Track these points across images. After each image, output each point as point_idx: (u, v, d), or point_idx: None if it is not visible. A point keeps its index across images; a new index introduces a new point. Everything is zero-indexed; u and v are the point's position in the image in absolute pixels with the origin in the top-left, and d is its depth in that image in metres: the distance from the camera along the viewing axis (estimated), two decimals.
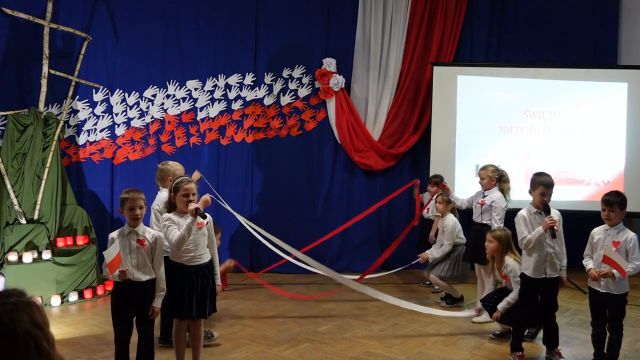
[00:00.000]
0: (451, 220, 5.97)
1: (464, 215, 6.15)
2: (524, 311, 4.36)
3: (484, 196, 5.46)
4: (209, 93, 7.36)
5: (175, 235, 3.74)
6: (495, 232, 4.95)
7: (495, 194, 5.38)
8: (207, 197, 4.01)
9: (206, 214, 4.07)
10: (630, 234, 3.97)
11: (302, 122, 7.54)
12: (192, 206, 3.73)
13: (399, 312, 5.63)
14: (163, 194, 4.36)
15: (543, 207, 4.21)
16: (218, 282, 4.05)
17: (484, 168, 5.51)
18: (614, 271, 3.85)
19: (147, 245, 3.68)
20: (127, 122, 7.18)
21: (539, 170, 4.43)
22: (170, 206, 3.91)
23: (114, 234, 3.68)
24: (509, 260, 4.80)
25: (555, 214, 4.23)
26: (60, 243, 6.06)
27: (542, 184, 4.20)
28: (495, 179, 5.43)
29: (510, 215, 4.96)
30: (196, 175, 5.89)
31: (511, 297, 4.66)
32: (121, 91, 7.15)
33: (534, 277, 4.24)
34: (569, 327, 5.25)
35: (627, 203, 4.02)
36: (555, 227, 4.13)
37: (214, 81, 7.37)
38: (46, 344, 1.50)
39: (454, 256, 5.87)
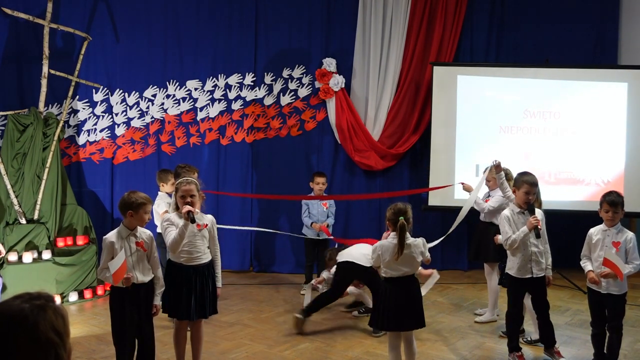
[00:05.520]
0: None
1: (473, 214, 5.98)
2: (513, 311, 4.37)
3: (489, 196, 5.49)
4: (209, 93, 7.36)
5: (170, 238, 3.75)
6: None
7: (499, 192, 5.36)
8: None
9: (208, 215, 4.07)
10: (630, 234, 3.97)
11: (302, 122, 7.53)
12: (184, 209, 3.70)
13: None
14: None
15: (527, 206, 4.21)
16: (218, 284, 4.04)
17: (490, 170, 5.47)
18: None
19: (147, 247, 3.68)
20: (127, 122, 7.17)
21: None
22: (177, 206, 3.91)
23: (111, 238, 3.62)
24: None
25: (538, 214, 4.24)
26: (60, 243, 6.05)
27: (526, 182, 4.20)
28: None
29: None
30: None
31: None
32: (121, 91, 7.14)
33: (520, 277, 4.23)
34: (569, 327, 5.25)
35: (628, 203, 4.05)
36: (539, 227, 4.14)
37: (214, 81, 7.36)
38: (64, 354, 1.50)
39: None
